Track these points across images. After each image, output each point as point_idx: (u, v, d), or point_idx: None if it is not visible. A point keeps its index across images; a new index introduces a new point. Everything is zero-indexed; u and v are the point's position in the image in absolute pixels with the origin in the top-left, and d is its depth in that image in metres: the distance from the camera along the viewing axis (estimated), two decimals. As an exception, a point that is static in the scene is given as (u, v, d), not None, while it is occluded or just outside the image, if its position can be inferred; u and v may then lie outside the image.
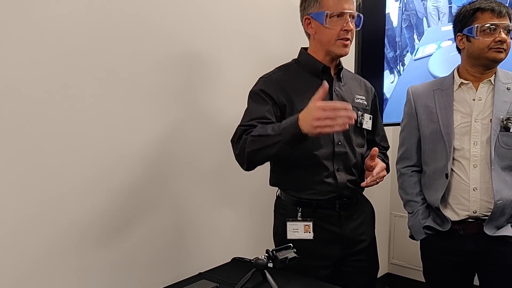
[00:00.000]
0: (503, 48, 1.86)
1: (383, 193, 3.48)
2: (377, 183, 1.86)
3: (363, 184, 1.84)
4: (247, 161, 1.72)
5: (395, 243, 3.60)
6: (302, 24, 1.89)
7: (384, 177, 1.88)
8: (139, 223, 2.06)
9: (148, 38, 2.00)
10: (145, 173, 2.06)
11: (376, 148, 1.83)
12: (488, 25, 1.85)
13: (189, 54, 2.16)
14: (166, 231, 2.17)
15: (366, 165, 1.87)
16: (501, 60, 1.89)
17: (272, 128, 1.63)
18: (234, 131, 1.81)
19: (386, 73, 2.42)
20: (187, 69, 2.16)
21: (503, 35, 1.84)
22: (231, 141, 1.80)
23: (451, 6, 2.49)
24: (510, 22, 1.88)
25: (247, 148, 1.68)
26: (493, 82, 1.93)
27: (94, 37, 1.82)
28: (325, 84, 1.53)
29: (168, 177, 2.15)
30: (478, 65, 1.91)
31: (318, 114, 1.49)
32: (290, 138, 1.59)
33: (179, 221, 2.21)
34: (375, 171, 1.82)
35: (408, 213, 2.10)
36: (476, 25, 1.86)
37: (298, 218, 1.86)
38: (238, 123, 1.82)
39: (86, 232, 1.87)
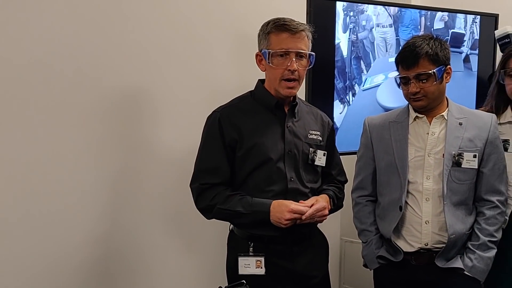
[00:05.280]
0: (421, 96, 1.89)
1: (333, 218, 3.47)
2: (316, 221, 1.86)
3: (302, 217, 1.78)
4: (213, 218, 1.86)
5: (346, 268, 3.61)
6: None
7: (325, 217, 1.87)
8: (87, 260, 2.01)
9: (90, 74, 1.96)
10: (94, 210, 2.02)
11: None
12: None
13: (132, 91, 2.12)
14: (115, 270, 2.11)
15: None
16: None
17: (242, 206, 1.79)
18: (192, 173, 1.86)
19: (336, 102, 2.44)
20: (131, 106, 2.12)
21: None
22: (190, 186, 1.87)
23: (398, 38, 2.56)
24: None
25: (215, 214, 1.83)
26: (446, 117, 1.95)
27: (30, 74, 1.79)
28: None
29: (116, 214, 2.10)
30: None
31: (289, 216, 1.74)
32: (258, 220, 1.78)
33: (129, 259, 2.15)
34: (314, 207, 1.80)
35: (362, 242, 2.10)
36: None
37: (250, 253, 1.82)
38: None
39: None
